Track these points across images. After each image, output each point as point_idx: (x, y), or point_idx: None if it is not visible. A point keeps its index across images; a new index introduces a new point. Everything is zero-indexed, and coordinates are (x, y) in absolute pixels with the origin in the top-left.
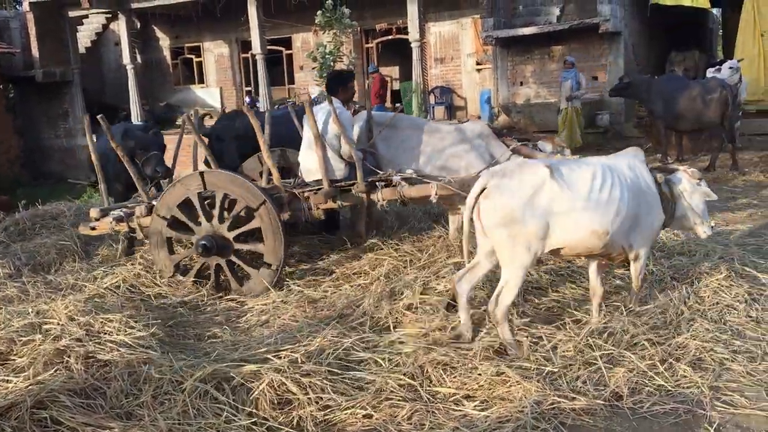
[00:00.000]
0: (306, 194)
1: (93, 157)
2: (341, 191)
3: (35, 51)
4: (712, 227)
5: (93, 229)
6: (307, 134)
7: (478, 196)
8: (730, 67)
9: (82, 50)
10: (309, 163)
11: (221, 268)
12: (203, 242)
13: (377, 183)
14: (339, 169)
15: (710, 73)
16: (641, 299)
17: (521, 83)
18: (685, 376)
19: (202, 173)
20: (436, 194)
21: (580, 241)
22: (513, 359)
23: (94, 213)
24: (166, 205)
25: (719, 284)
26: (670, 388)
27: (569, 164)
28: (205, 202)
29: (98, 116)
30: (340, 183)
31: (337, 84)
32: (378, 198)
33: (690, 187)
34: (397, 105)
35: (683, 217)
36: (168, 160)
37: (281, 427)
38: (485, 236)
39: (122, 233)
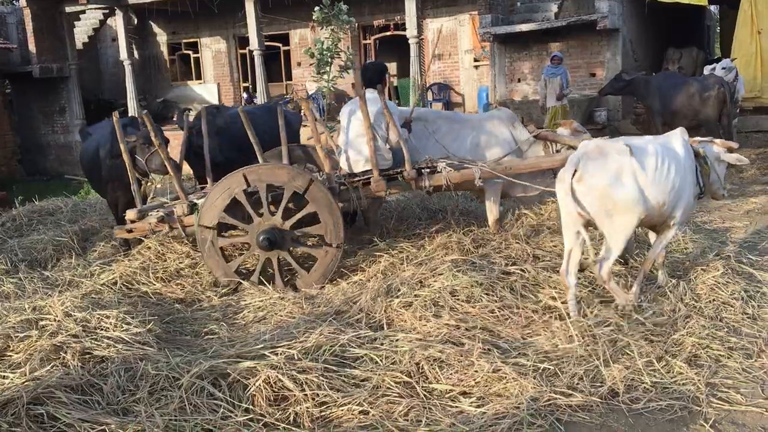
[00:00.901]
0: (356, 184)
1: (125, 157)
2: (388, 180)
3: (32, 47)
4: (727, 189)
5: (130, 231)
6: (354, 125)
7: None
8: (723, 68)
9: (79, 46)
10: (354, 153)
11: (283, 260)
12: (266, 237)
13: (423, 169)
14: (385, 159)
15: (708, 70)
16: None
17: (519, 80)
18: (681, 373)
19: (243, 172)
20: (480, 178)
21: (649, 212)
22: (620, 311)
23: (131, 215)
24: (211, 214)
25: (716, 281)
26: (666, 384)
27: (633, 143)
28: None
29: (114, 112)
30: (388, 171)
31: (378, 76)
32: (425, 184)
33: (718, 155)
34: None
35: (712, 185)
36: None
37: (277, 423)
38: (578, 218)
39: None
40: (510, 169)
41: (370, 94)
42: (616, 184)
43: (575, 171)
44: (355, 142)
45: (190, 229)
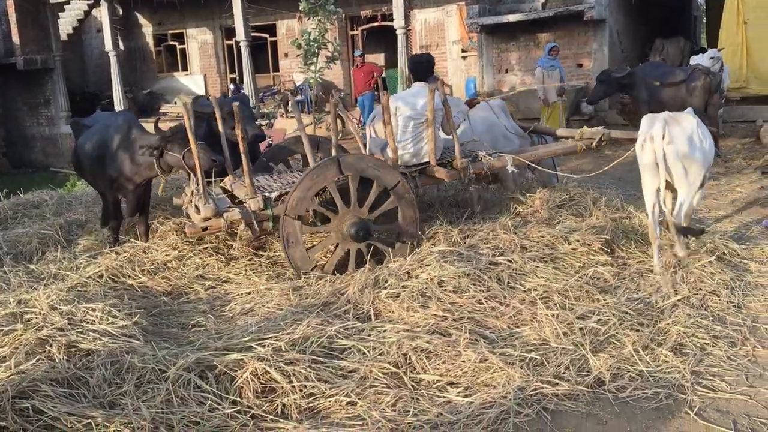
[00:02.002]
0: (413, 174)
1: (194, 151)
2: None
3: (16, 38)
4: None
5: (205, 229)
6: (405, 116)
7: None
8: (711, 57)
9: (63, 37)
10: (411, 145)
11: (362, 252)
12: (358, 229)
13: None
14: (440, 149)
15: (694, 60)
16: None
17: (506, 70)
18: (667, 361)
19: (338, 159)
20: (512, 165)
21: (706, 169)
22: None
23: (208, 212)
24: (300, 203)
25: (702, 271)
26: (651, 373)
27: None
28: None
29: (210, 96)
30: (442, 161)
31: (428, 68)
32: (469, 172)
33: None
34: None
35: None
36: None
37: (265, 415)
38: (660, 176)
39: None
40: (534, 156)
41: (420, 86)
42: (692, 146)
43: (664, 136)
44: (409, 134)
45: (266, 224)
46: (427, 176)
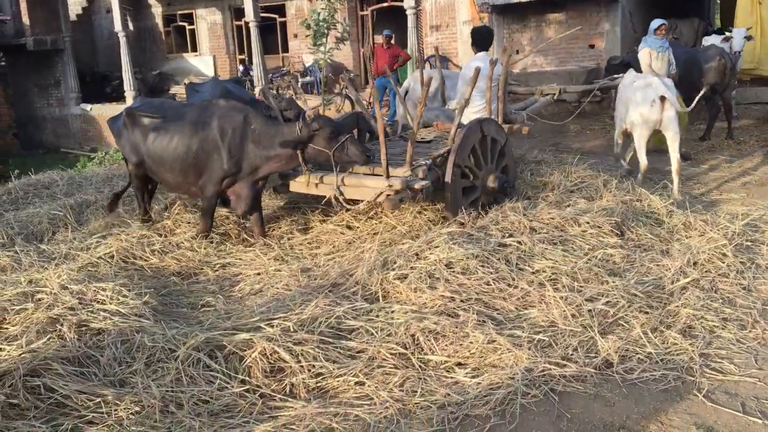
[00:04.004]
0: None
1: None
2: None
3: (26, 18)
4: None
5: (402, 201)
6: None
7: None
8: (745, 37)
9: (73, 18)
10: (476, 109)
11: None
12: (501, 182)
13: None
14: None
15: (708, 41)
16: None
17: (517, 51)
18: (676, 344)
19: (480, 122)
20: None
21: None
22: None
23: (397, 184)
24: (462, 157)
25: (712, 253)
26: (660, 355)
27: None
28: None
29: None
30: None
31: (489, 38)
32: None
33: None
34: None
35: None
36: None
37: (274, 394)
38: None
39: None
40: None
41: (483, 55)
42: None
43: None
44: (481, 98)
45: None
46: None
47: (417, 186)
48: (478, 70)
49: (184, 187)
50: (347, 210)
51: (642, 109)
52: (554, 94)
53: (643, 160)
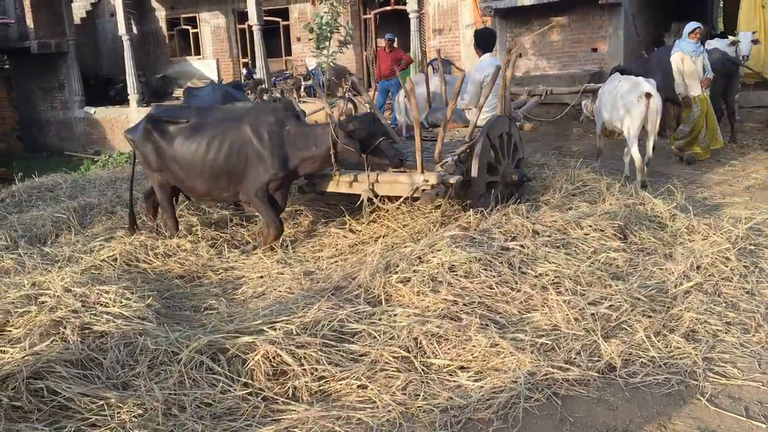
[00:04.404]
0: None
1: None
2: None
3: (30, 22)
4: None
5: (437, 195)
6: (471, 90)
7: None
8: (752, 41)
9: (77, 21)
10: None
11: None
12: (521, 174)
13: None
14: None
15: (710, 45)
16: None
17: (520, 55)
18: (679, 348)
19: (508, 117)
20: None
21: None
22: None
23: (433, 178)
24: (486, 152)
25: (716, 257)
26: (663, 359)
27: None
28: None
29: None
30: None
31: (492, 41)
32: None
33: None
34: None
35: None
36: None
37: (276, 397)
38: (641, 120)
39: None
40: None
41: (489, 56)
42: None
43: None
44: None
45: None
46: None
47: (451, 180)
48: (496, 74)
49: (216, 193)
50: (379, 208)
51: (629, 105)
52: (541, 95)
53: (637, 156)
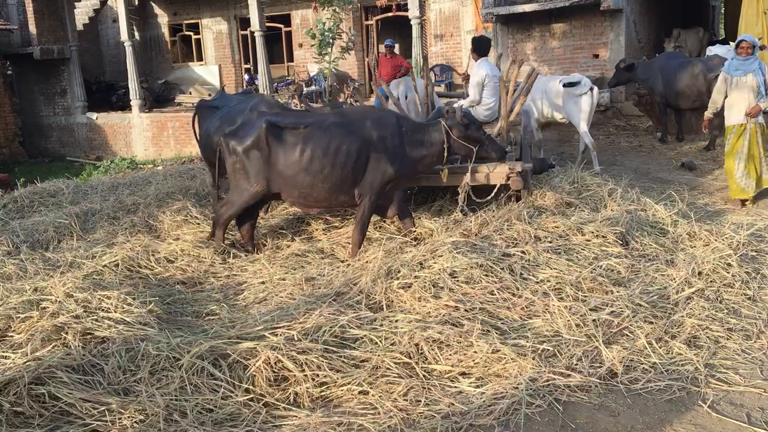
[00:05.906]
0: None
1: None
2: None
3: (33, 28)
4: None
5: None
6: (494, 82)
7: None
8: (759, 46)
9: (79, 27)
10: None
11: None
12: (549, 163)
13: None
14: None
15: (711, 51)
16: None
17: (522, 61)
18: (680, 354)
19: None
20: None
21: None
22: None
23: (518, 167)
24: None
25: (717, 263)
26: (665, 365)
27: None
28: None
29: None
30: None
31: (488, 46)
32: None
33: None
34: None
35: None
36: None
37: (278, 403)
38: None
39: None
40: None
41: (485, 61)
42: None
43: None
44: (492, 96)
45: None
46: None
47: (527, 167)
48: (485, 76)
49: (334, 198)
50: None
51: (577, 98)
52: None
53: (590, 140)
